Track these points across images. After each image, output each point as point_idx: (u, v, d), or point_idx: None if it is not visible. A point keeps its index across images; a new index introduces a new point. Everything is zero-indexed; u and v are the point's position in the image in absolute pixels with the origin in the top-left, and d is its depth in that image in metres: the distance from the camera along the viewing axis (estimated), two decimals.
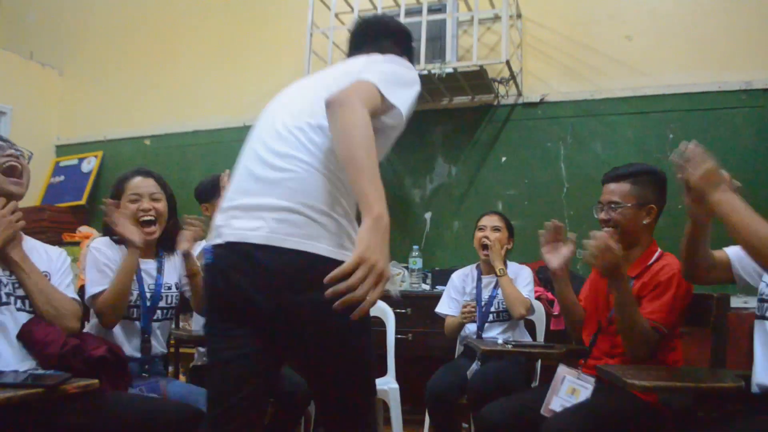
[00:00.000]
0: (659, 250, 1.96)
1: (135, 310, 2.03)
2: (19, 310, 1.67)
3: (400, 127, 1.41)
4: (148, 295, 2.05)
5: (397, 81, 1.37)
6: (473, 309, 2.66)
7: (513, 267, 2.80)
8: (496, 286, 2.72)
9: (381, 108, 1.32)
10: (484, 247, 2.74)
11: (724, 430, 1.45)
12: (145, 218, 2.03)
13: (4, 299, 1.65)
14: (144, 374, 2.00)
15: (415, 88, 1.43)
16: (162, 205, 2.08)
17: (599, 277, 2.11)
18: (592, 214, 2.06)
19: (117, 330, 1.99)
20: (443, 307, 2.85)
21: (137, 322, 2.03)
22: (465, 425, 2.85)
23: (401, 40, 1.66)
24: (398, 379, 2.83)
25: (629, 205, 1.92)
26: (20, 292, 1.69)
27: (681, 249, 1.68)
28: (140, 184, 2.06)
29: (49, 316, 1.68)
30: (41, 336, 1.62)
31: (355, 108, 1.23)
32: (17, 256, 1.68)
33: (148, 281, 2.07)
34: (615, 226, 1.92)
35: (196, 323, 2.62)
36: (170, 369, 2.43)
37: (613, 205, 1.93)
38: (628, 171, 1.97)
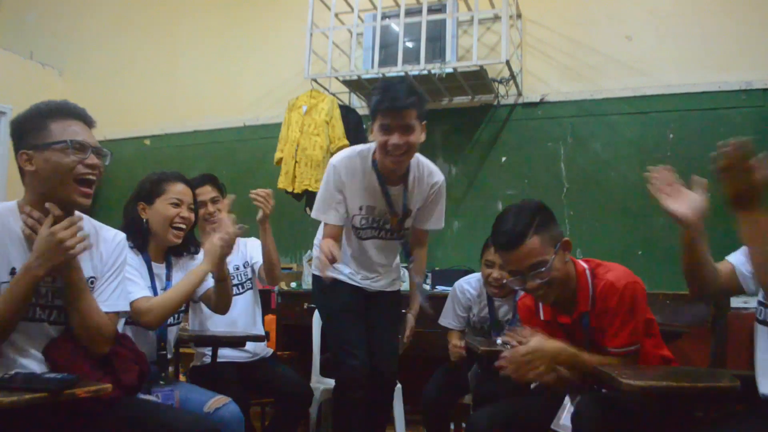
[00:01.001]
0: (582, 266, 1.77)
1: None
2: (52, 323, 1.53)
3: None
4: None
5: (320, 204, 2.26)
6: (463, 353, 2.51)
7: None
8: (513, 306, 2.53)
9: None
10: (492, 285, 2.48)
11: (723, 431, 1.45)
12: (181, 225, 2.04)
13: (38, 313, 1.51)
14: (161, 381, 1.98)
15: (326, 190, 2.24)
16: (193, 216, 2.12)
17: (540, 325, 1.86)
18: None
19: (131, 335, 1.95)
20: (448, 320, 2.67)
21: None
22: (465, 425, 2.85)
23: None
24: (398, 378, 2.82)
25: (553, 256, 1.66)
26: (59, 302, 1.53)
27: (684, 268, 1.46)
28: (184, 192, 2.08)
29: (80, 338, 1.53)
30: (64, 362, 1.50)
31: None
32: (73, 276, 1.49)
33: (159, 286, 2.07)
34: (549, 286, 1.67)
35: (192, 323, 2.60)
36: (170, 369, 2.43)
37: (539, 268, 1.65)
38: (522, 225, 1.67)
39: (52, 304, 1.53)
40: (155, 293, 2.02)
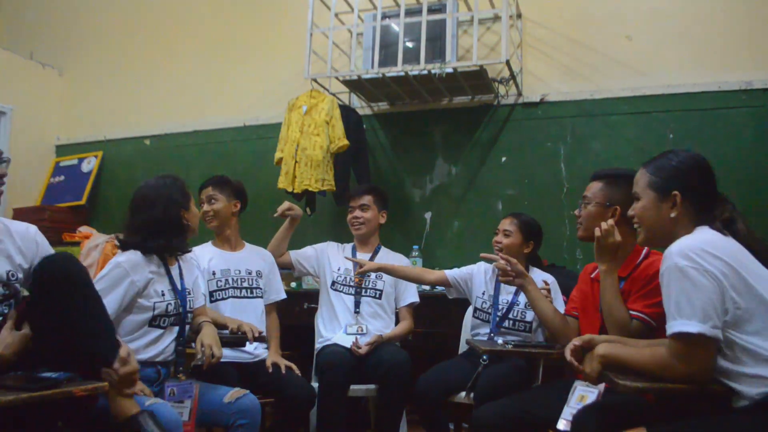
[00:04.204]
0: (646, 248, 1.97)
1: (175, 317, 2.09)
2: None
3: None
4: (180, 300, 2.11)
5: None
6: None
7: (537, 275, 2.63)
8: (518, 293, 2.61)
9: None
10: (499, 250, 2.65)
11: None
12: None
13: None
14: (179, 375, 2.10)
15: None
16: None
17: (587, 281, 2.11)
18: None
19: (158, 336, 2.05)
20: (452, 270, 2.81)
21: (176, 328, 2.10)
22: (465, 425, 2.85)
23: None
24: None
25: (598, 203, 2.02)
26: None
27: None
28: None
29: None
30: None
31: None
32: None
33: (178, 288, 2.12)
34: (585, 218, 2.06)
35: None
36: (171, 369, 2.43)
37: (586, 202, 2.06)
38: (606, 173, 2.11)
39: None
40: (178, 295, 2.09)
